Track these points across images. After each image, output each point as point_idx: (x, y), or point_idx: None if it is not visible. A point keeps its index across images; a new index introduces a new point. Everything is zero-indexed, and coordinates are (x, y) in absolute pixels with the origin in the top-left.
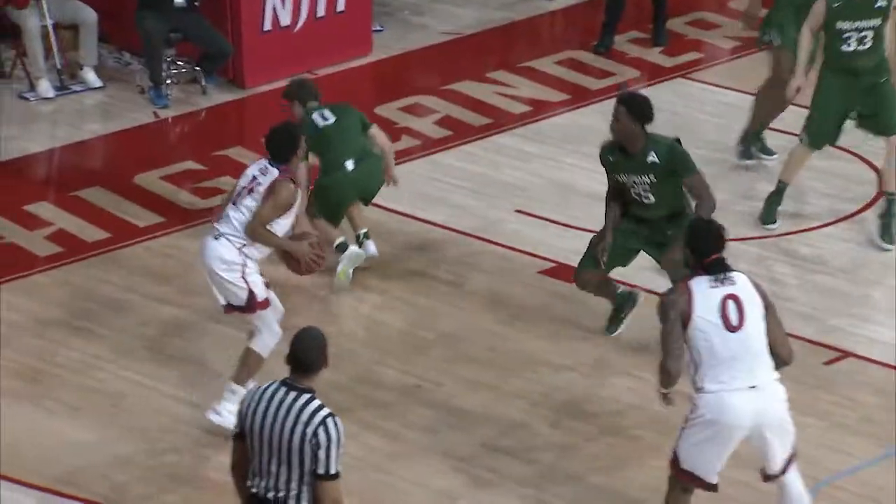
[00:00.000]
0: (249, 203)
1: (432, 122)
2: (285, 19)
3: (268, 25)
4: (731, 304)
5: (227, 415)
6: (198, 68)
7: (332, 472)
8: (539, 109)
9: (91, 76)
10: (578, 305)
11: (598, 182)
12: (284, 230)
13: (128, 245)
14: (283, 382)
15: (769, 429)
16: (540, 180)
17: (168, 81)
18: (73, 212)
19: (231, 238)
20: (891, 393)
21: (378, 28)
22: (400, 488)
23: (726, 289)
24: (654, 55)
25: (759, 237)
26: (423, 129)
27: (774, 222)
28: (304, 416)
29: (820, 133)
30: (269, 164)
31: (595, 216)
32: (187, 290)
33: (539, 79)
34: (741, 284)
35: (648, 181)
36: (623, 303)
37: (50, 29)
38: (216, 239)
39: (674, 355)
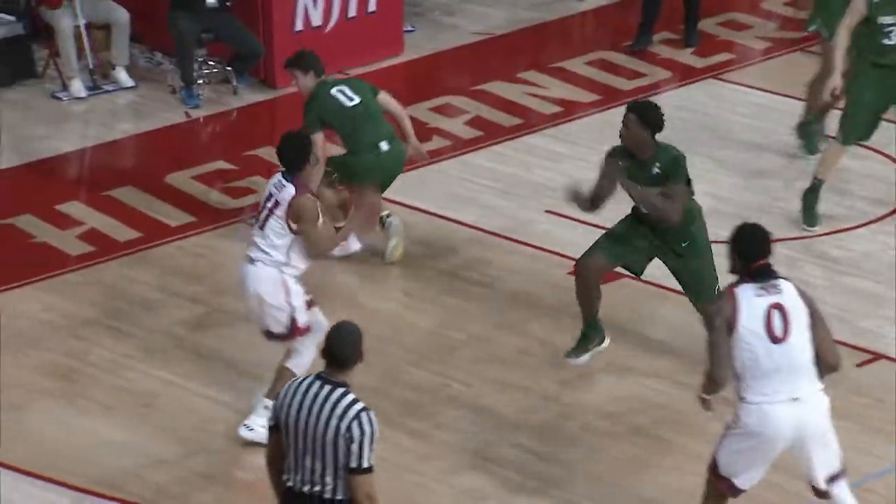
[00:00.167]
0: (274, 225)
1: (463, 123)
2: (317, 20)
3: (299, 26)
4: (776, 315)
5: (259, 429)
6: (229, 68)
7: (365, 465)
8: (569, 110)
9: (123, 76)
10: (606, 307)
11: None
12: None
13: (159, 244)
14: (318, 376)
15: (811, 440)
16: (570, 181)
17: (199, 81)
18: (105, 211)
19: (267, 261)
20: None
21: (409, 28)
22: (429, 488)
23: (772, 298)
24: (686, 56)
25: (789, 238)
26: (454, 130)
27: (816, 225)
28: (339, 410)
29: (854, 128)
30: (284, 177)
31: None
32: (218, 290)
33: (570, 79)
34: (787, 293)
35: (653, 188)
36: (593, 334)
37: (82, 29)
38: (253, 264)
39: (722, 364)
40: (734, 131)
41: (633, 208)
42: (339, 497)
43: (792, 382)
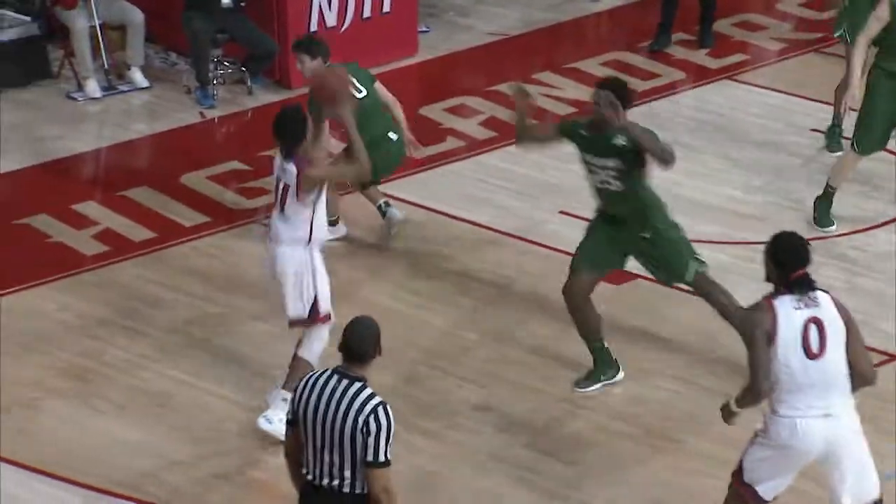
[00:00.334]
0: (290, 203)
1: (477, 123)
2: (331, 20)
3: (314, 26)
4: (813, 330)
5: (277, 423)
6: (244, 69)
7: (382, 459)
8: (584, 111)
9: (138, 76)
10: (622, 307)
11: None
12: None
13: (174, 245)
14: (336, 370)
15: (842, 459)
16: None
17: (214, 82)
18: (120, 211)
19: (291, 241)
20: None
21: (424, 29)
22: (443, 488)
23: (810, 311)
24: (701, 57)
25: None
26: (468, 130)
27: (830, 225)
28: (356, 405)
29: (870, 139)
30: (283, 160)
31: None
32: (232, 290)
33: (584, 80)
34: (824, 306)
35: (614, 165)
36: (604, 364)
37: (98, 29)
38: (279, 246)
39: (768, 377)
40: (749, 132)
41: (597, 209)
42: (357, 491)
43: (826, 398)
